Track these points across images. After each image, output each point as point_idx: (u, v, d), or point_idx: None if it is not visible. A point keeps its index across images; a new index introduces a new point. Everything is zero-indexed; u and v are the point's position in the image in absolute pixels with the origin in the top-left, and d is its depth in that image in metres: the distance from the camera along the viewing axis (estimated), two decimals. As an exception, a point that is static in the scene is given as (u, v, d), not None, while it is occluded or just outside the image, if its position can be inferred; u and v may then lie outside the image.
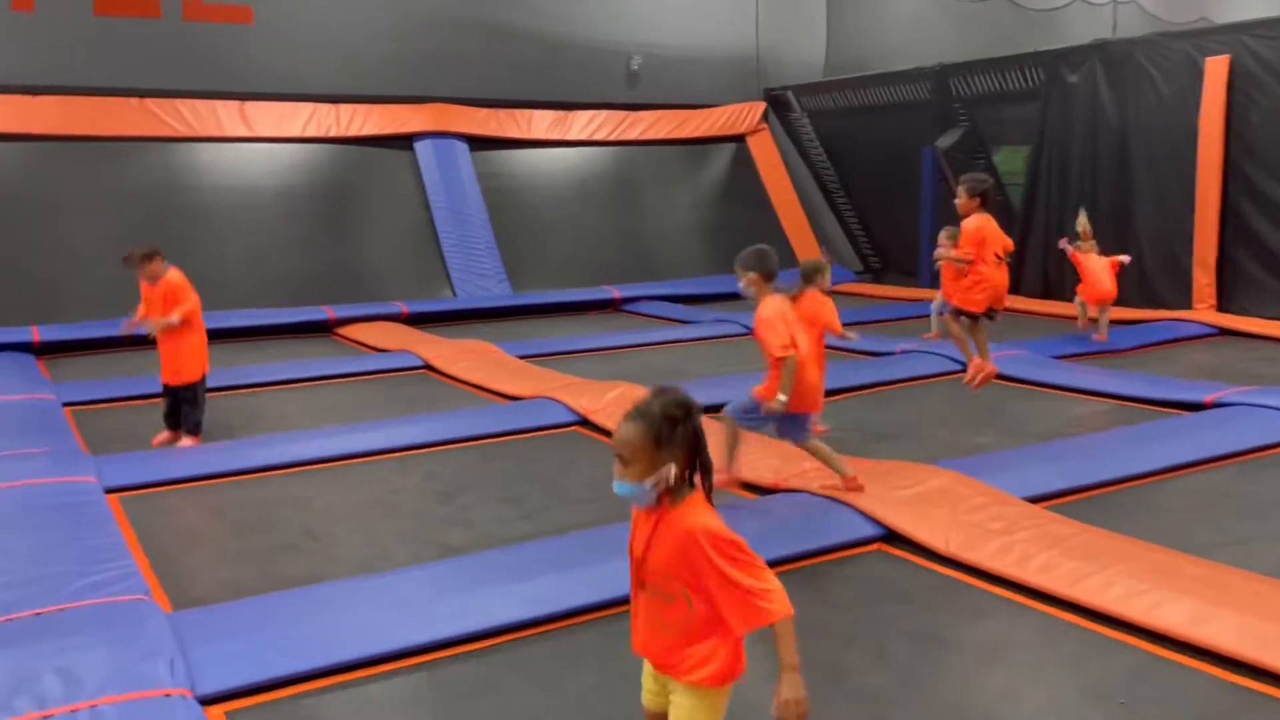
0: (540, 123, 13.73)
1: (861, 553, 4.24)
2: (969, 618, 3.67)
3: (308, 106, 12.42)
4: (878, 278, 15.20)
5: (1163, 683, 3.16)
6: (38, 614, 3.46)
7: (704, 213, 14.47)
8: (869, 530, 4.35)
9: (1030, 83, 12.10)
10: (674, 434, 2.10)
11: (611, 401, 6.58)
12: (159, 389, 6.38)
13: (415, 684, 3.27)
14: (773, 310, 4.65)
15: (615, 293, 12.53)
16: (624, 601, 2.48)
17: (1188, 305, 10.28)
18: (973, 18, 17.35)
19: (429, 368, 8.68)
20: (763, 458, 5.32)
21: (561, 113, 13.91)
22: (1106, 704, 3.03)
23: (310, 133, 12.37)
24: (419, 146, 12.99)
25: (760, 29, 15.63)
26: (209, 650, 3.24)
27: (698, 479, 2.16)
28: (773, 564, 2.58)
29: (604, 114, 14.21)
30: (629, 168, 14.29)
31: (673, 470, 2.09)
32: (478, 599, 3.70)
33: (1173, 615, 3.44)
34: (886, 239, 15.25)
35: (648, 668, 2.27)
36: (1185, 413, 6.46)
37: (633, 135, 14.32)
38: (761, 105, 15.32)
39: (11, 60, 11.10)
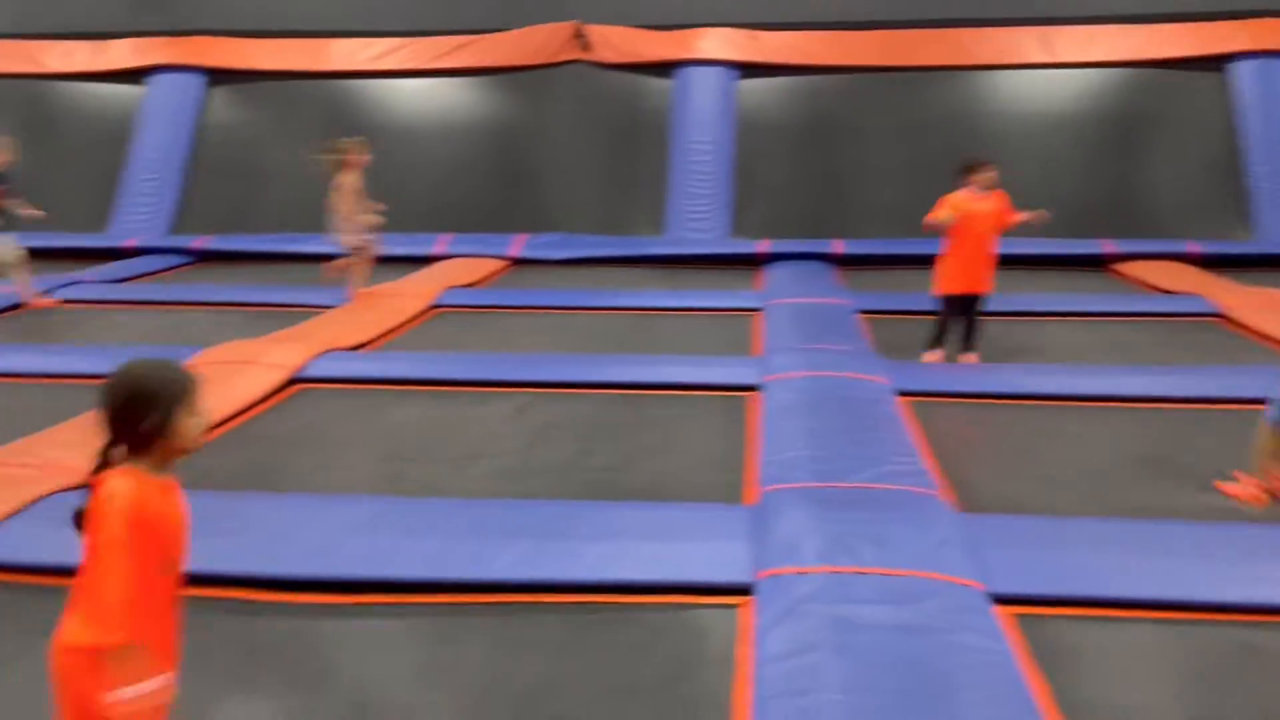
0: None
1: None
2: None
3: (1107, 29, 11.77)
4: None
5: None
6: (851, 487, 3.95)
7: None
8: None
9: None
10: None
11: None
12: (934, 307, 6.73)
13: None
14: None
15: None
16: None
17: None
18: None
19: (1222, 316, 7.83)
20: None
21: None
22: None
23: (1110, 57, 11.74)
24: (1236, 68, 11.55)
25: None
26: (1002, 554, 3.40)
27: None
28: None
29: None
30: None
31: None
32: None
33: None
34: None
35: None
36: None
37: None
38: None
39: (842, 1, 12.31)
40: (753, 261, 10.62)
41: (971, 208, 6.45)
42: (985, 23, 12.03)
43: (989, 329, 6.90)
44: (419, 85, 12.84)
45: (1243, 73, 11.54)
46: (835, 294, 8.59)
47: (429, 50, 12.73)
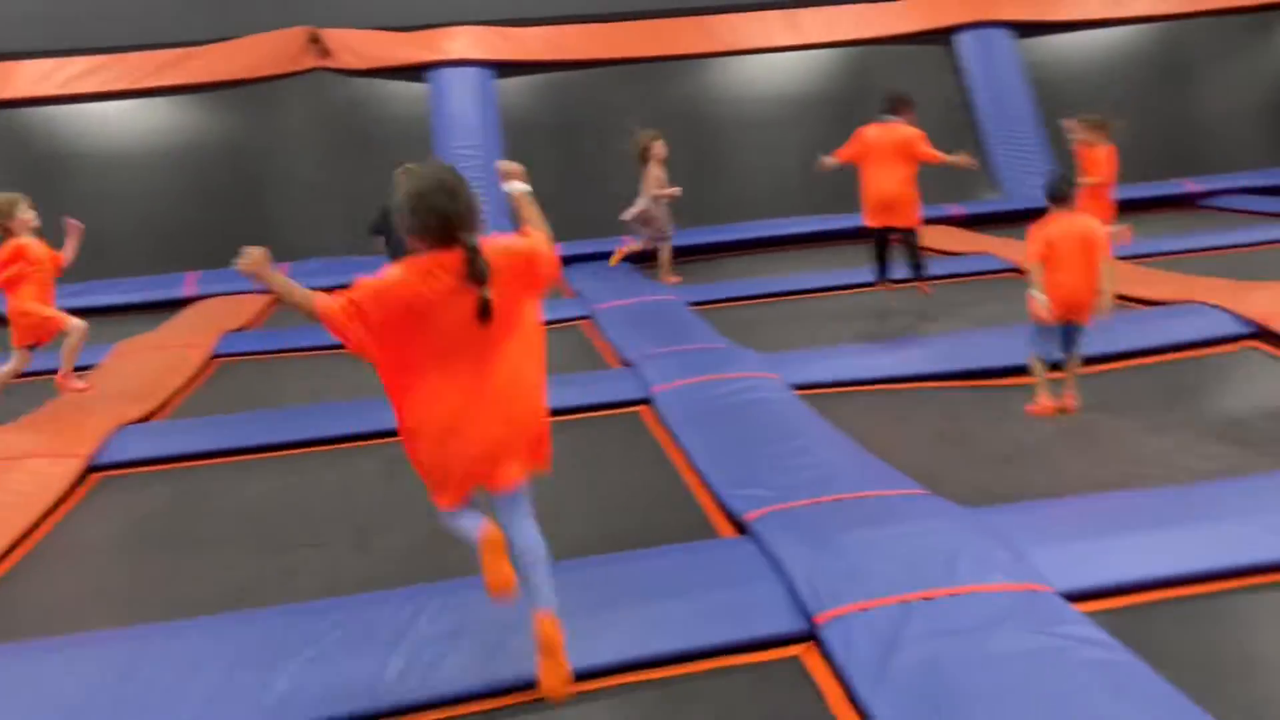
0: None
1: None
2: None
3: (848, 9, 12.27)
4: None
5: None
6: (838, 500, 3.60)
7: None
8: None
9: None
10: None
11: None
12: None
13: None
14: None
15: (1190, 185, 11.18)
16: None
17: None
18: None
19: (1019, 269, 8.24)
20: None
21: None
22: None
23: (851, 35, 12.23)
24: (960, 39, 12.36)
25: None
26: (1042, 550, 3.16)
27: None
28: None
29: (1170, -17, 12.58)
30: (1193, 46, 12.59)
31: None
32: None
33: None
34: None
35: None
36: None
37: (1205, 5, 12.55)
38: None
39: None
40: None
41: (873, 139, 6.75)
42: (734, 8, 12.19)
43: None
44: (129, 108, 11.28)
45: (965, 43, 12.37)
46: (656, 290, 8.28)
47: (139, 67, 11.20)
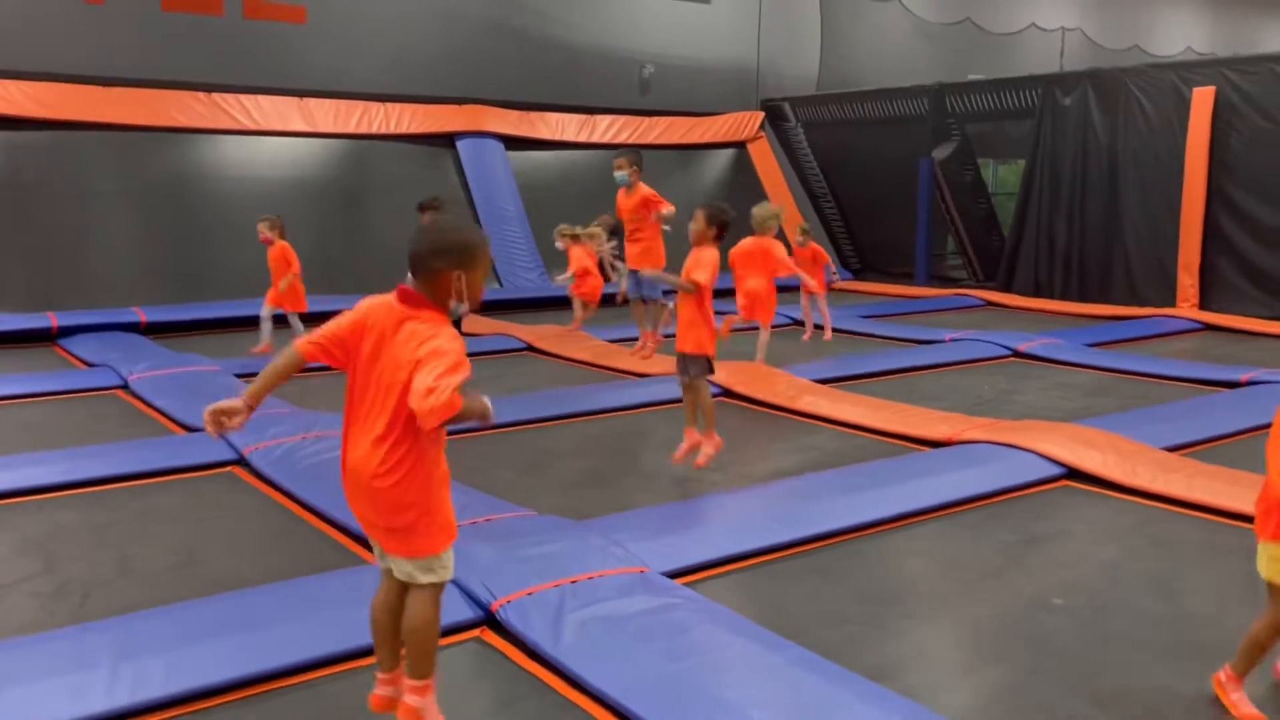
0: (568, 125, 14.61)
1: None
2: (1166, 526, 4.77)
3: (360, 104, 13.04)
4: (857, 277, 16.40)
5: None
6: (479, 523, 4.28)
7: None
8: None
9: (1025, 103, 13.50)
10: None
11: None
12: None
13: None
14: None
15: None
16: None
17: (1171, 304, 11.77)
18: (946, 39, 18.87)
19: (531, 348, 9.52)
20: (922, 417, 6.37)
21: (586, 116, 14.80)
22: None
23: (362, 130, 13.00)
24: (461, 145, 13.71)
25: (760, 44, 16.77)
26: (638, 546, 4.13)
27: None
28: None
29: (623, 119, 15.16)
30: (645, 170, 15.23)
31: None
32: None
33: None
34: (870, 242, 16.49)
35: None
36: (1224, 389, 7.75)
37: (649, 139, 15.29)
38: (760, 115, 16.45)
39: (82, 52, 11.44)
40: (44, 338, 9.46)
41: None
42: (247, 89, 12.32)
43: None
44: None
45: (465, 150, 13.75)
46: (193, 361, 8.18)
47: None
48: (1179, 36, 23.27)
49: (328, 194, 12.68)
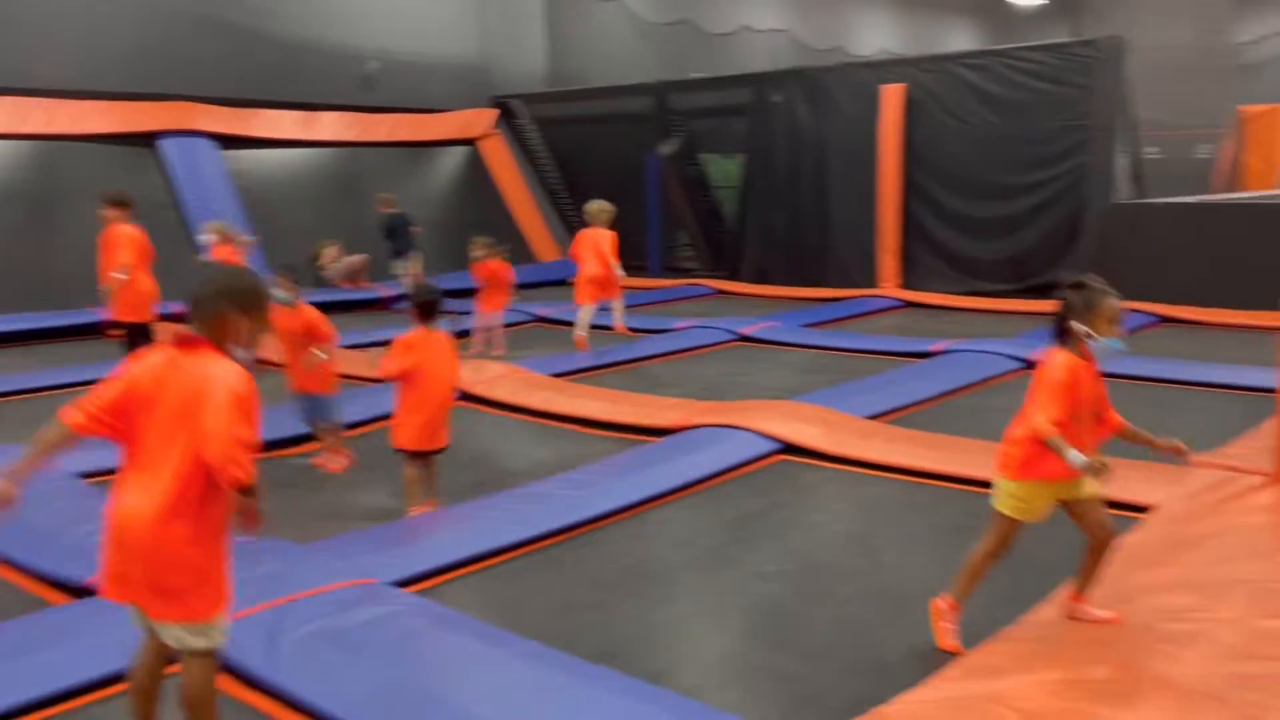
0: (288, 123, 13.94)
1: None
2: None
3: (43, 102, 11.85)
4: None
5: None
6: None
7: (444, 213, 15.27)
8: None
9: (742, 101, 14.19)
10: None
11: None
12: None
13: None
14: None
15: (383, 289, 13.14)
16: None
17: (876, 285, 12.77)
18: (667, 38, 19.55)
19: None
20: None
21: (308, 113, 14.18)
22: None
23: (47, 129, 11.82)
24: (165, 145, 12.76)
25: (483, 39, 16.66)
26: (366, 560, 4.00)
27: None
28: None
29: (349, 116, 14.64)
30: (371, 167, 14.82)
31: None
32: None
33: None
34: (607, 236, 16.82)
35: None
36: (919, 359, 8.49)
37: (377, 137, 14.87)
38: (494, 112, 16.36)
39: None
40: None
41: None
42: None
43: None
44: None
45: (169, 148, 12.80)
46: None
47: None
48: (877, 38, 25.27)
49: (13, 202, 11.47)
